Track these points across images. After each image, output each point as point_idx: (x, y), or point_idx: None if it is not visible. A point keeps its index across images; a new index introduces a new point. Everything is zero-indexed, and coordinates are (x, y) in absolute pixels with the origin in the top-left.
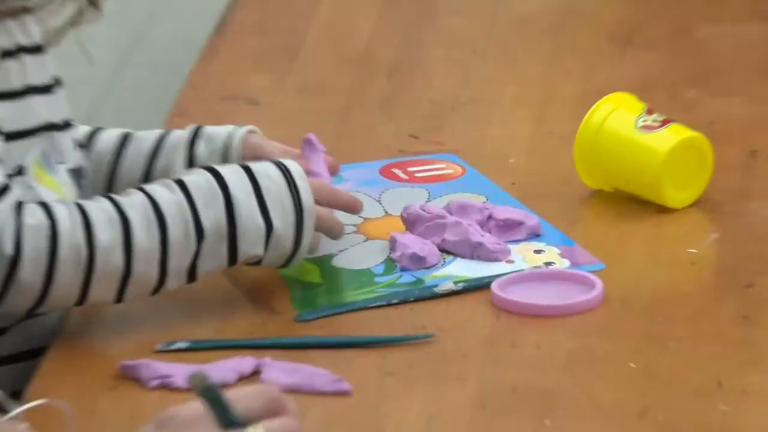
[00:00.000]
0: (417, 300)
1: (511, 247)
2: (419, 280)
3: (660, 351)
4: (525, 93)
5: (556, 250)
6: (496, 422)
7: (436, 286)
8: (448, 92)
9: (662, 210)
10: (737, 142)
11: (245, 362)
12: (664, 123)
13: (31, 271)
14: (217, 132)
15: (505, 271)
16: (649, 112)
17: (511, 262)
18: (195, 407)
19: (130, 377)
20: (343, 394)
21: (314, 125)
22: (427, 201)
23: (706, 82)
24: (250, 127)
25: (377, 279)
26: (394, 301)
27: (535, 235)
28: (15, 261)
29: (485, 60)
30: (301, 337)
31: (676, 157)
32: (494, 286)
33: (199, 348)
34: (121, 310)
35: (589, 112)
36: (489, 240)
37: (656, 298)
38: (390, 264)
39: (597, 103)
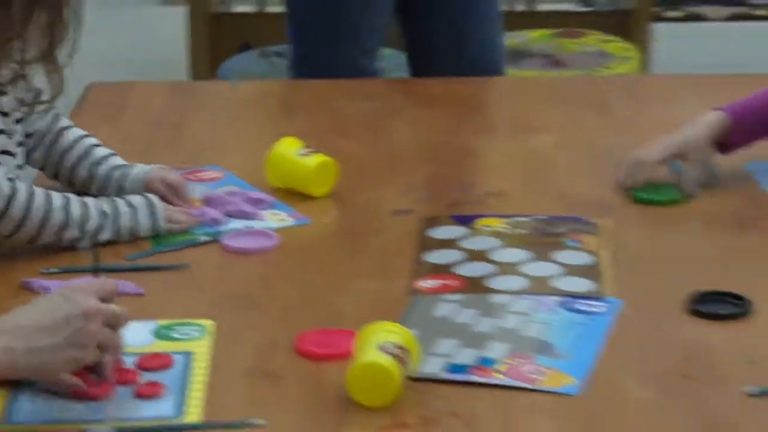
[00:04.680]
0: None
1: (262, 212)
2: (218, 232)
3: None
4: None
5: (285, 215)
6: None
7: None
8: None
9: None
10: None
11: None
12: (312, 153)
13: (17, 210)
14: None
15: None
16: (306, 147)
17: (262, 220)
18: (84, 281)
19: (27, 289)
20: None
21: None
22: (213, 191)
23: (338, 132)
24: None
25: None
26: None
27: (272, 207)
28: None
29: None
30: None
31: (320, 169)
32: (226, 239)
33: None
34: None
35: (274, 145)
36: (251, 209)
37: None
38: (200, 226)
39: (277, 142)
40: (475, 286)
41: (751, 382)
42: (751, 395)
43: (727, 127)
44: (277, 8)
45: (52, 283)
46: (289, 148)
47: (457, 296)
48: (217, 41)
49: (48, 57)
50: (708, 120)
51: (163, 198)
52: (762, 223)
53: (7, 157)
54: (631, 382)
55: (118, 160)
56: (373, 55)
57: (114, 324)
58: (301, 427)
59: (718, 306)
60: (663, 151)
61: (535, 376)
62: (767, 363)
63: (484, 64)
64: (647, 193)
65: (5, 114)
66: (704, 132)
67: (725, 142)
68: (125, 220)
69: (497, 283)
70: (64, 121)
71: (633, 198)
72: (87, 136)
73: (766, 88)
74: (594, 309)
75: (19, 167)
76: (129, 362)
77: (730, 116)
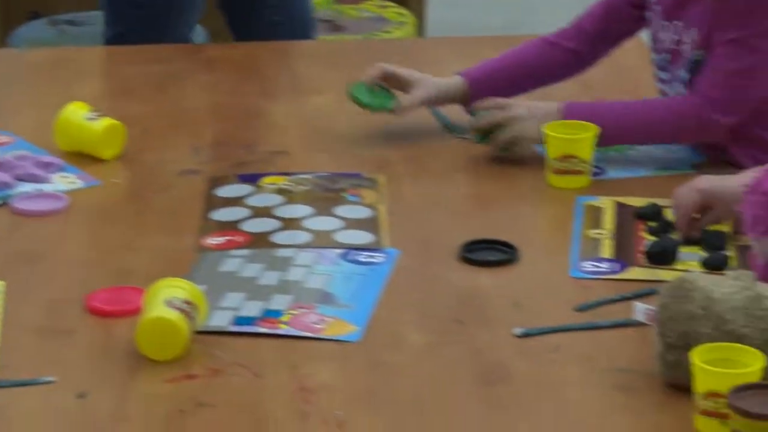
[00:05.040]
0: None
1: (52, 175)
2: (7, 195)
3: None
4: None
5: (75, 177)
6: None
7: None
8: None
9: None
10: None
11: None
12: (100, 117)
13: None
14: None
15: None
16: (94, 111)
17: (51, 183)
18: None
19: None
20: None
21: None
22: (1, 155)
23: (127, 96)
24: None
25: None
26: None
27: (62, 170)
28: None
29: None
30: None
31: (107, 132)
32: (15, 201)
33: None
34: None
35: (61, 110)
36: (41, 172)
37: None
38: None
39: (64, 107)
40: (260, 242)
41: (518, 324)
42: (518, 336)
43: (467, 90)
44: None
45: None
46: (76, 112)
47: (242, 251)
48: (6, 10)
49: None
50: (447, 80)
51: None
52: (523, 172)
53: None
54: (409, 327)
55: None
56: (194, 27)
57: None
58: (91, 382)
59: (488, 253)
60: (402, 72)
61: (318, 325)
62: (532, 306)
63: (291, 32)
64: (362, 95)
65: None
66: (435, 85)
67: (468, 103)
68: None
69: (281, 237)
70: None
71: (350, 96)
72: None
73: (504, 54)
74: (373, 260)
75: None
76: None
77: (466, 81)
